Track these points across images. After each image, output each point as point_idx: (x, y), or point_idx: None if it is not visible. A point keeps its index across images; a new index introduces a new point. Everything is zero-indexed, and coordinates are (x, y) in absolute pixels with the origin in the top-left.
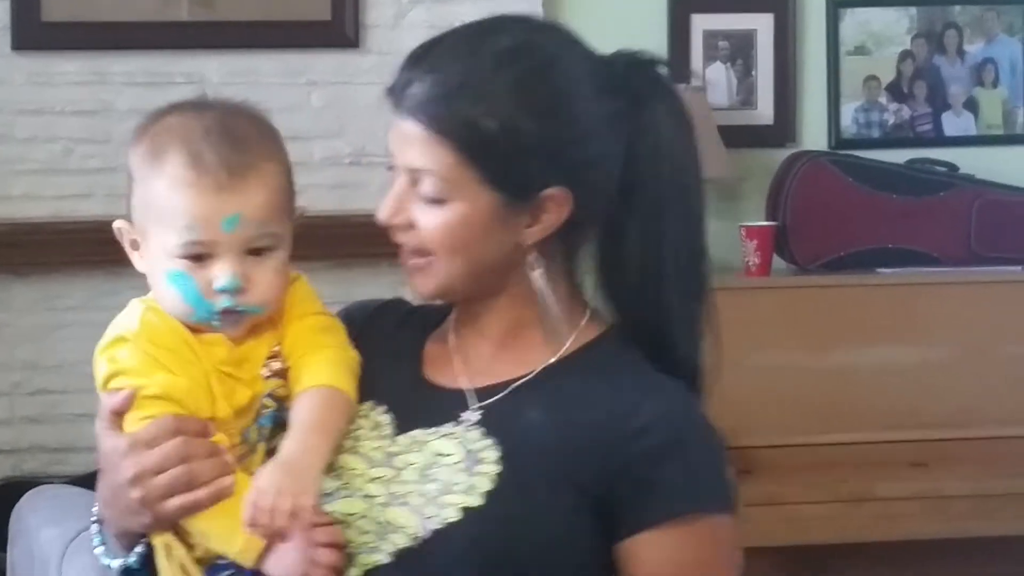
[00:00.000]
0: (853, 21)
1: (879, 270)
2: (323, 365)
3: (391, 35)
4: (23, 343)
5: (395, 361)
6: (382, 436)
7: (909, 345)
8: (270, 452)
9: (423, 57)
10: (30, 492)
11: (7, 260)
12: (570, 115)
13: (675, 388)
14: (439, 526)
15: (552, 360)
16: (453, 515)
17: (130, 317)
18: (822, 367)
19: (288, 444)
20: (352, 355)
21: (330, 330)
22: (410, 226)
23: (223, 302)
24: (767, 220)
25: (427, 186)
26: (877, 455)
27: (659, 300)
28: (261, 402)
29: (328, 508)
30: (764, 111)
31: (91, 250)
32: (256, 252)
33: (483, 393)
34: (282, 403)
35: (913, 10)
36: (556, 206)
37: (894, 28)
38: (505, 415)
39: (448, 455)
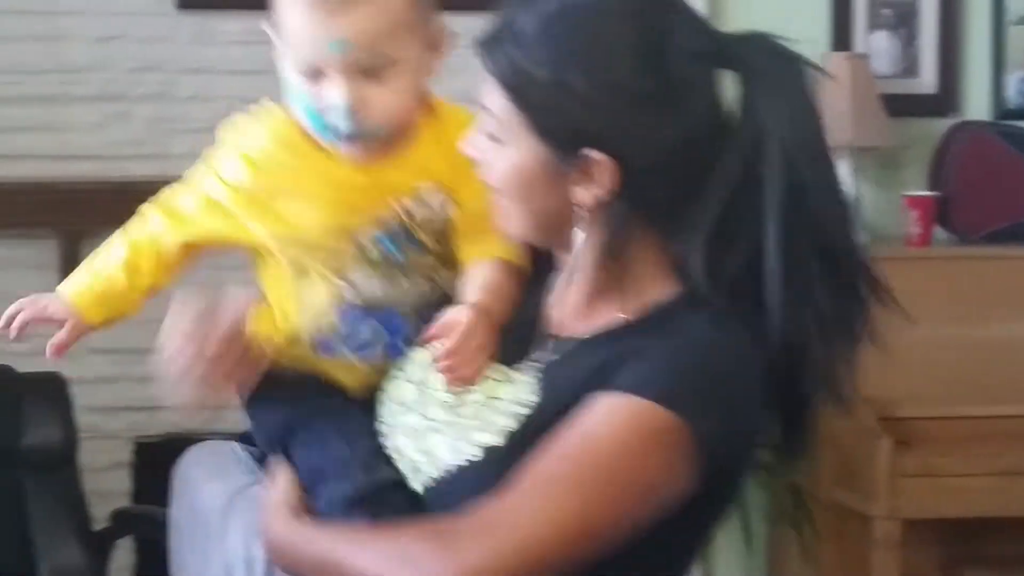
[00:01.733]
0: None
1: None
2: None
3: None
4: None
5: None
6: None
7: None
8: (393, 268)
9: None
10: (193, 447)
11: None
12: (618, 83)
13: (693, 347)
14: (464, 463)
15: (620, 321)
16: (477, 454)
17: (261, 131)
18: (982, 339)
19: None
20: None
21: None
22: (479, 161)
23: (338, 122)
24: (929, 190)
25: (487, 125)
26: None
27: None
28: (383, 222)
29: (404, 419)
30: (927, 80)
31: None
32: (371, 74)
33: (556, 344)
34: (412, 230)
35: None
36: (600, 173)
37: None
38: (559, 371)
39: (501, 400)
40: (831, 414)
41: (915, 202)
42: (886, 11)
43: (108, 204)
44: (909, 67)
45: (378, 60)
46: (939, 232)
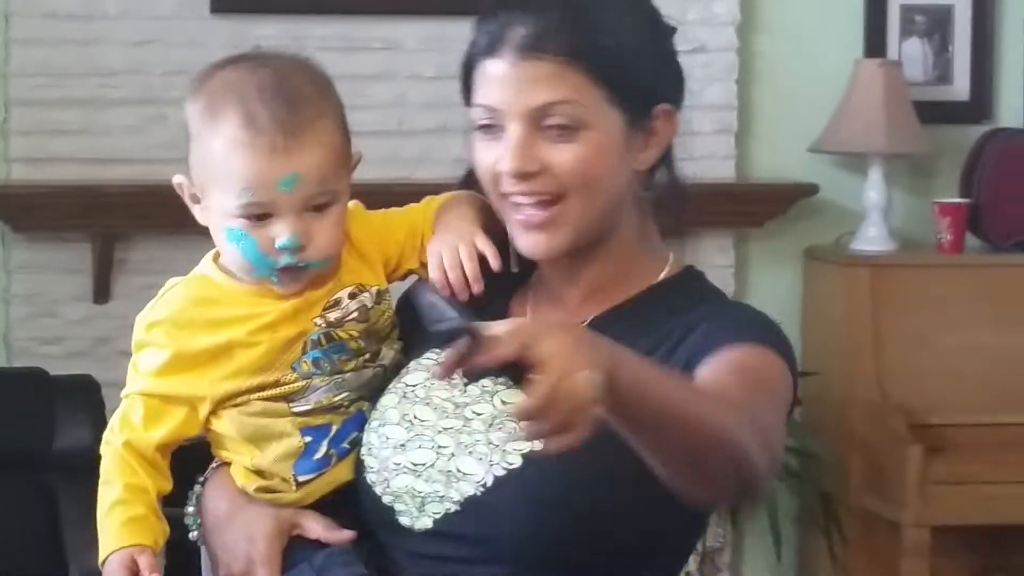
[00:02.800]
0: None
1: None
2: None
3: None
4: None
5: (479, 313)
6: (453, 385)
7: None
8: (335, 372)
9: (517, 2)
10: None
11: None
12: (665, 31)
13: (741, 304)
14: (502, 473)
15: (622, 300)
16: (516, 461)
17: (172, 299)
18: (1014, 345)
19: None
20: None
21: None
22: (542, 170)
23: (284, 259)
24: (961, 197)
25: (561, 118)
26: None
27: None
28: (308, 340)
29: (400, 459)
30: (960, 87)
31: None
32: (316, 209)
33: None
34: (339, 343)
35: None
36: (663, 125)
37: None
38: None
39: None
40: (861, 420)
41: (947, 209)
42: (919, 18)
43: (143, 207)
44: (942, 74)
45: (323, 195)
46: (971, 239)
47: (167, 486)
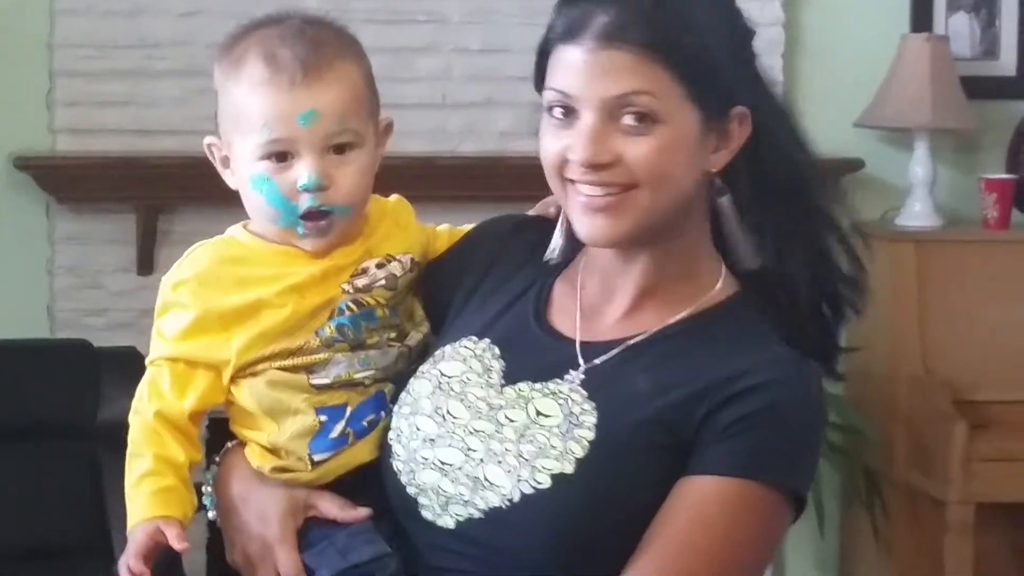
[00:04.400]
0: None
1: None
2: None
3: None
4: None
5: (521, 297)
6: (490, 384)
7: None
8: (357, 346)
9: None
10: None
11: None
12: (746, 33)
13: (790, 360)
14: (530, 491)
15: (672, 321)
16: (544, 481)
17: (199, 257)
18: None
19: None
20: None
21: None
22: (614, 162)
23: (306, 201)
24: (1007, 173)
25: (637, 108)
26: None
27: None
28: (335, 307)
29: (428, 454)
30: (1007, 62)
31: None
32: (338, 150)
33: (595, 349)
34: (367, 309)
35: None
36: (738, 126)
37: None
38: (610, 377)
39: (548, 416)
40: (906, 396)
41: (993, 185)
42: None
43: (187, 179)
44: (988, 49)
45: (344, 135)
46: (1017, 215)
47: (198, 456)
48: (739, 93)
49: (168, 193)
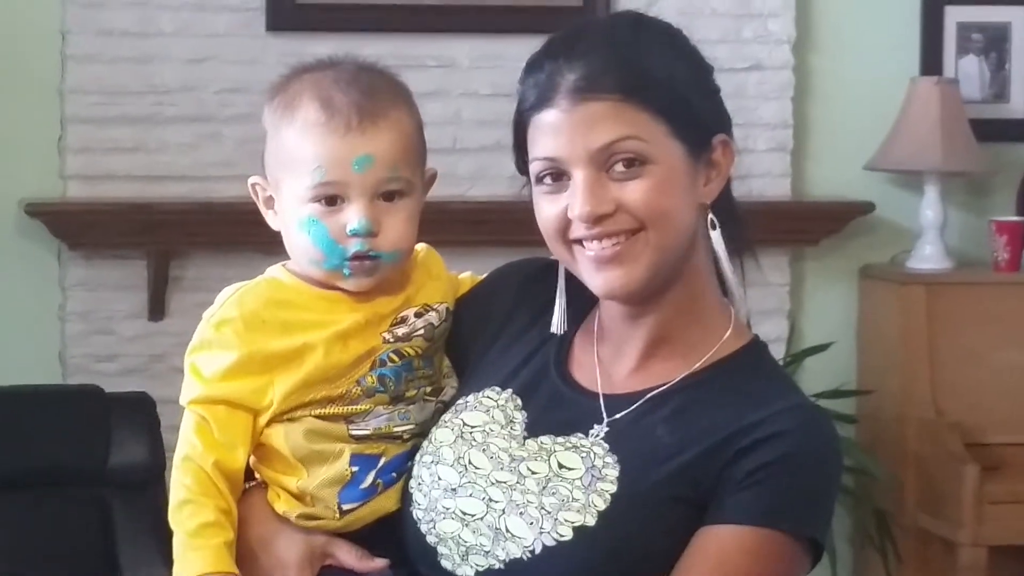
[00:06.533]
0: None
1: None
2: None
3: None
4: None
5: (542, 347)
6: (512, 435)
7: None
8: (396, 398)
9: (561, 51)
10: None
11: None
12: (707, 67)
13: (806, 409)
14: (552, 543)
15: (691, 371)
16: (566, 534)
17: (246, 299)
18: None
19: None
20: None
21: None
22: (615, 210)
23: (355, 246)
24: (1018, 215)
25: (626, 154)
26: None
27: None
28: (377, 358)
29: (449, 503)
30: (1017, 105)
31: None
32: (388, 197)
33: (618, 402)
34: (407, 360)
35: None
36: (722, 156)
37: None
38: (632, 429)
39: (571, 469)
40: (917, 438)
41: (1004, 227)
42: (976, 36)
43: (198, 225)
44: (998, 92)
45: (395, 182)
46: None
47: (235, 508)
48: (715, 122)
49: (178, 239)
